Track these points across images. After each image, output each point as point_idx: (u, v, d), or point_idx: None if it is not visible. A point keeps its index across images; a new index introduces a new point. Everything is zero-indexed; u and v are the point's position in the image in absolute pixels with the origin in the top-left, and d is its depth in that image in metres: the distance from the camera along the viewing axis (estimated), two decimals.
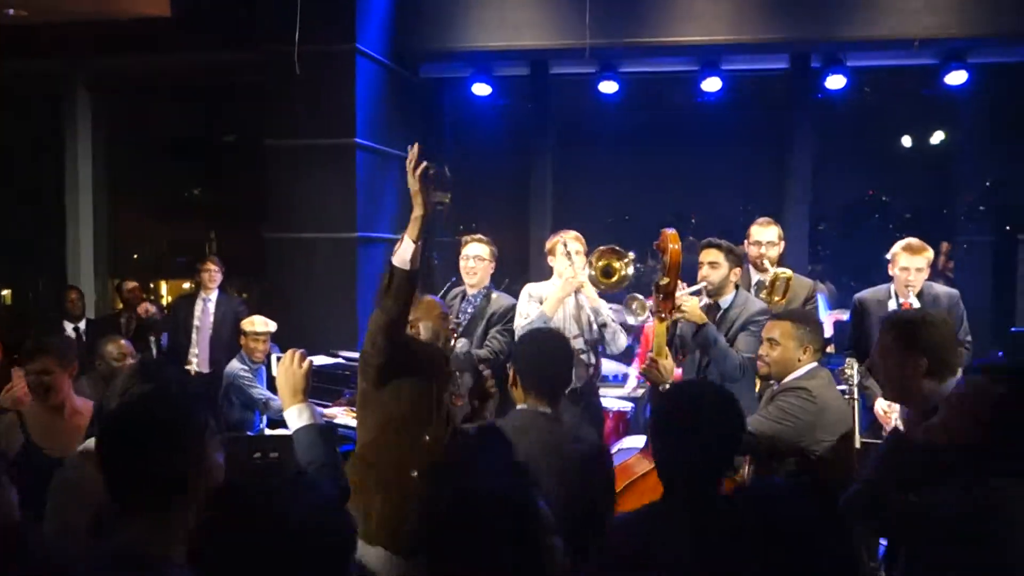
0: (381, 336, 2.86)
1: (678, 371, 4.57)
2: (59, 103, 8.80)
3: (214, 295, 6.96)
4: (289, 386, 2.52)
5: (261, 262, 7.60)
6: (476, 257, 4.96)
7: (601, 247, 4.84)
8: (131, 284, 7.56)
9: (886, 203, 10.71)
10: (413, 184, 2.89)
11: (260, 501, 1.42)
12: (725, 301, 4.41)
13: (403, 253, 2.87)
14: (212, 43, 7.82)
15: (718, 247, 4.43)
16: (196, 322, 6.91)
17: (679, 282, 4.02)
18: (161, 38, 7.31)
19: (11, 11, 6.48)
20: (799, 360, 3.49)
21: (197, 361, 6.89)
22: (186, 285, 9.94)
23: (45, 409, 3.63)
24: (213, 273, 6.92)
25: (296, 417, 2.48)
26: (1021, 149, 7.97)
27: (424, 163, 2.88)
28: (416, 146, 2.90)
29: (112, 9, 6.51)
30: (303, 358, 2.56)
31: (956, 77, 7.57)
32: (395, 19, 7.88)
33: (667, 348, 3.86)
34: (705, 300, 4.43)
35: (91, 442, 2.45)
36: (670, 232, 3.86)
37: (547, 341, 3.03)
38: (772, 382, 3.64)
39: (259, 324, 5.89)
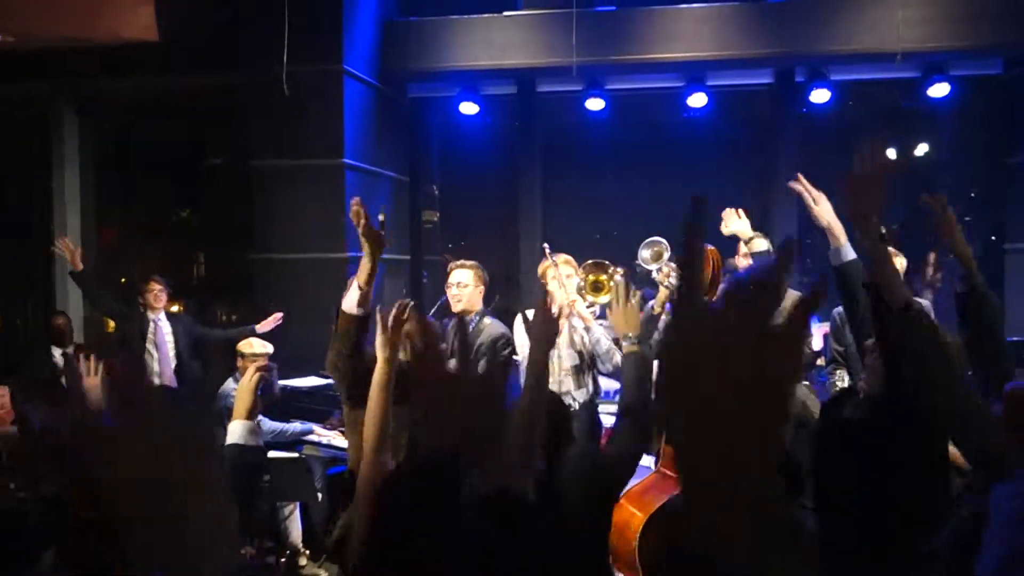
0: (332, 371, 2.93)
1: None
2: (46, 126, 8.79)
3: (162, 315, 6.72)
4: (239, 401, 2.55)
5: (249, 283, 7.59)
6: (459, 284, 4.88)
7: (586, 262, 4.86)
8: (61, 319, 7.45)
9: None
10: (364, 234, 2.90)
11: None
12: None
13: (350, 298, 2.89)
14: (199, 66, 7.84)
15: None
16: (151, 344, 6.64)
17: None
18: (148, 61, 7.32)
19: None
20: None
21: (156, 374, 6.72)
22: (174, 308, 9.91)
23: None
24: (158, 293, 6.65)
25: (230, 432, 2.50)
26: (1004, 160, 8.04)
27: (365, 218, 2.91)
28: (357, 200, 2.92)
29: (100, 35, 6.52)
30: (256, 374, 2.58)
31: (938, 89, 7.66)
32: (382, 40, 7.93)
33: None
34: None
35: None
36: (709, 248, 3.85)
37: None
38: None
39: (257, 346, 5.84)
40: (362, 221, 2.93)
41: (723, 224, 4.58)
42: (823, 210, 3.00)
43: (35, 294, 9.52)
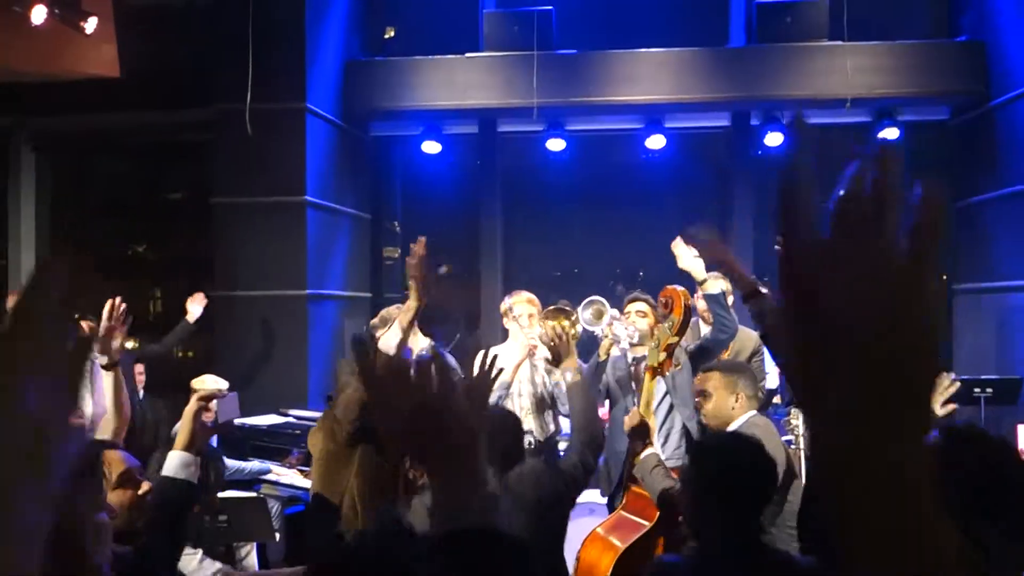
0: (344, 404, 2.89)
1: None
2: (3, 161, 8.68)
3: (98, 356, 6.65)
4: (180, 431, 2.56)
5: (207, 319, 7.52)
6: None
7: (549, 308, 4.91)
8: None
9: None
10: (414, 275, 2.95)
11: None
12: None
13: (390, 339, 2.92)
14: (161, 102, 7.83)
15: (646, 300, 4.64)
16: (86, 388, 6.58)
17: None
18: (109, 97, 7.29)
19: None
20: (732, 409, 3.56)
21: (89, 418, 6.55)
22: (128, 344, 9.76)
23: None
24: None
25: (165, 464, 2.49)
26: (953, 203, 8.28)
27: (423, 261, 2.95)
28: (422, 242, 2.98)
29: (61, 70, 6.48)
30: (196, 404, 2.59)
31: (888, 134, 7.89)
32: (346, 79, 7.99)
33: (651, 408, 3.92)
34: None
35: None
36: (680, 289, 3.93)
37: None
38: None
39: (209, 383, 5.76)
40: (416, 263, 2.96)
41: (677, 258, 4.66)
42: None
43: None
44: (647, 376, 3.90)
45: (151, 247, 10.13)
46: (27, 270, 8.77)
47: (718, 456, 2.42)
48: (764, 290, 2.97)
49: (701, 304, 5.22)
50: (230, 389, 6.01)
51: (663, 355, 3.88)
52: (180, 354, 9.92)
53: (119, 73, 6.55)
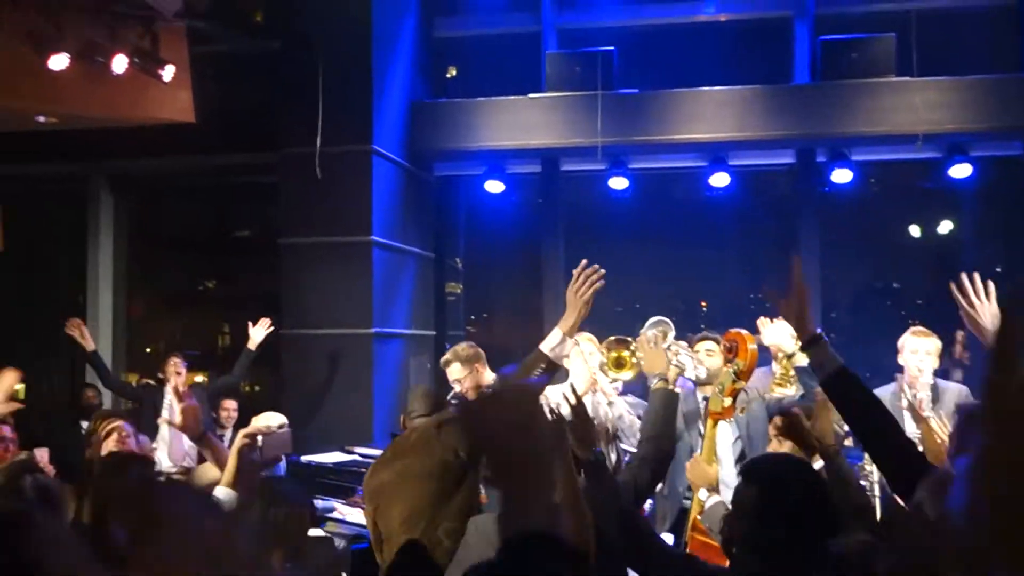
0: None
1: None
2: (82, 203, 9.03)
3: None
4: (226, 468, 2.59)
5: (274, 354, 7.66)
6: (455, 381, 4.85)
7: (609, 339, 4.88)
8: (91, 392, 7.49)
9: (897, 290, 10.78)
10: (576, 300, 3.02)
11: None
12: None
13: (562, 349, 3.01)
14: (233, 145, 8.07)
15: (714, 339, 4.52)
16: (164, 416, 6.62)
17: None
18: (184, 141, 7.54)
19: (42, 118, 6.72)
20: (811, 456, 3.48)
21: (164, 456, 6.60)
22: (198, 379, 10.00)
23: None
24: (179, 367, 6.65)
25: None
26: None
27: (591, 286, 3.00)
28: (598, 271, 3.02)
29: (138, 116, 6.74)
30: (243, 440, 2.62)
31: (960, 170, 7.71)
32: (411, 120, 8.14)
33: (716, 454, 3.85)
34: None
35: None
36: (746, 333, 3.86)
37: None
38: None
39: (262, 420, 5.74)
40: (588, 285, 3.02)
41: (761, 333, 4.54)
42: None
43: (61, 365, 9.64)
44: (710, 422, 3.82)
45: (220, 283, 10.41)
46: (105, 307, 9.08)
47: (768, 475, 2.35)
48: (824, 337, 2.89)
49: (777, 368, 5.09)
50: (292, 426, 6.06)
51: (727, 400, 3.79)
52: (247, 388, 10.14)
53: (194, 118, 6.77)
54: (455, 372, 4.86)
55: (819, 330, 2.88)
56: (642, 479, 3.01)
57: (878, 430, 2.66)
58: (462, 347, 4.95)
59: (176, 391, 3.28)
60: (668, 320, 4.65)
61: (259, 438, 2.92)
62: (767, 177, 9.00)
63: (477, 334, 9.62)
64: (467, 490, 1.88)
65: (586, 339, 4.92)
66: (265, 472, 3.78)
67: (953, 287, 3.09)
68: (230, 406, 7.23)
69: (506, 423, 1.33)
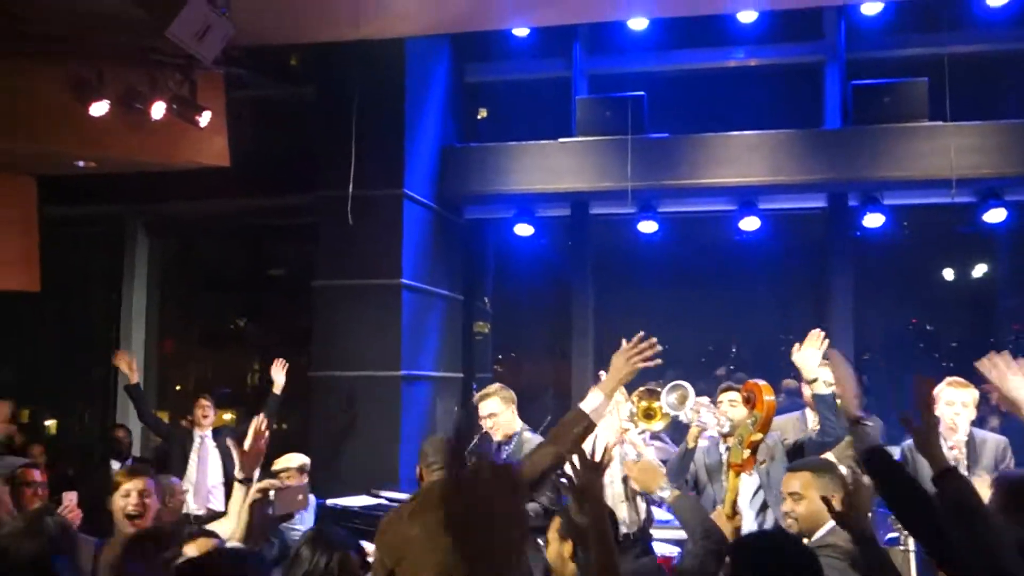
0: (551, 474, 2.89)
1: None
2: (119, 244, 9.19)
3: (209, 432, 6.76)
4: (239, 521, 2.58)
5: (302, 392, 7.68)
6: (489, 415, 4.88)
7: (640, 389, 4.84)
8: (121, 432, 7.58)
9: (931, 332, 10.63)
10: (624, 366, 3.03)
11: None
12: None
13: (593, 403, 3.01)
14: (266, 189, 8.19)
15: (738, 389, 4.45)
16: (193, 460, 6.68)
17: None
18: (217, 184, 7.65)
19: (81, 163, 6.85)
20: (822, 512, 3.28)
21: (191, 499, 6.59)
22: (227, 416, 10.06)
23: None
24: (207, 409, 6.75)
25: None
26: None
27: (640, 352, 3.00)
28: (640, 335, 3.04)
29: (174, 161, 6.85)
30: (256, 494, 2.61)
31: (994, 215, 7.62)
32: (441, 164, 8.21)
33: (737, 506, 3.78)
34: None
35: None
36: (763, 384, 3.83)
37: None
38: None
39: (282, 462, 5.62)
40: (641, 357, 3.03)
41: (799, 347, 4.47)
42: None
43: (93, 404, 9.74)
44: (731, 474, 3.75)
45: (251, 322, 10.49)
46: (137, 345, 9.19)
47: (756, 556, 2.30)
48: (867, 421, 2.85)
49: (807, 392, 5.04)
50: (318, 467, 6.03)
51: (747, 452, 3.73)
52: (275, 427, 10.16)
53: (229, 163, 6.88)
54: (492, 407, 4.88)
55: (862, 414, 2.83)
56: (708, 567, 3.00)
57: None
58: (501, 387, 4.98)
59: (258, 432, 3.26)
60: (685, 384, 4.58)
61: (271, 492, 2.90)
62: (799, 221, 8.93)
63: (504, 375, 9.60)
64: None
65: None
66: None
67: (980, 367, 2.99)
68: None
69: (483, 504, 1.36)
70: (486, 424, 4.90)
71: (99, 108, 6.16)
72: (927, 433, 2.55)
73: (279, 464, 5.61)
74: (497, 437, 4.91)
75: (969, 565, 2.32)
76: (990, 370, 2.95)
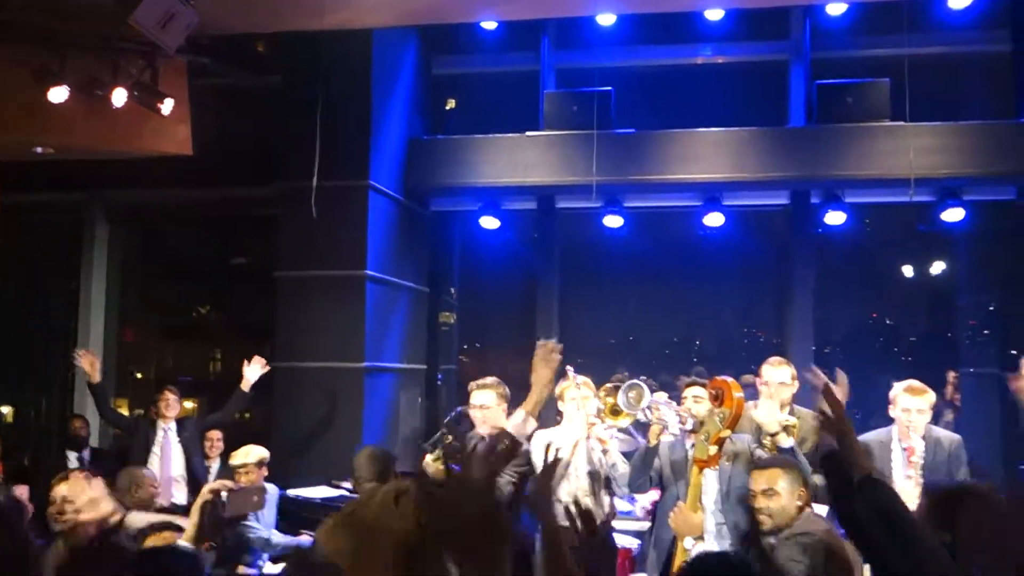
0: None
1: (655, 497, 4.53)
2: (78, 233, 9.04)
3: (172, 425, 6.66)
4: (190, 521, 2.60)
5: (265, 383, 7.64)
6: (481, 406, 4.85)
7: (606, 385, 4.87)
8: (79, 423, 7.49)
9: (891, 327, 10.82)
10: (545, 374, 3.17)
11: None
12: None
13: (523, 429, 3.14)
14: (230, 178, 8.10)
15: (703, 385, 4.47)
16: (156, 452, 6.56)
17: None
18: (180, 173, 7.56)
19: (39, 149, 6.73)
20: (797, 508, 3.44)
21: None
22: (188, 404, 9.97)
23: None
24: (171, 402, 6.63)
25: None
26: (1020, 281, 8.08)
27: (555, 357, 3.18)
28: (558, 350, 3.21)
29: (135, 148, 6.74)
30: (208, 495, 2.62)
31: (953, 214, 7.76)
32: (408, 156, 8.18)
33: (701, 502, 3.82)
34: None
35: None
36: (731, 380, 3.85)
37: None
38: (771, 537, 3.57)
39: (239, 456, 5.53)
40: (554, 356, 3.20)
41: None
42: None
43: (51, 394, 9.61)
44: (695, 470, 3.79)
45: (214, 311, 10.41)
46: (96, 334, 9.07)
47: None
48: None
49: (763, 390, 5.03)
50: (280, 458, 5.98)
51: (712, 449, 3.77)
52: (236, 416, 10.09)
53: (191, 151, 6.79)
54: (486, 399, 4.83)
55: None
56: None
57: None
58: (499, 382, 4.92)
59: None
60: (642, 384, 4.58)
61: (223, 494, 2.88)
62: (762, 217, 9.04)
63: (470, 366, 9.62)
64: (429, 565, 1.85)
65: (583, 383, 4.91)
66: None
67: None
68: (215, 436, 7.19)
69: (465, 511, 1.45)
70: (475, 414, 4.87)
71: (59, 94, 6.03)
72: (842, 438, 2.58)
73: (237, 458, 5.55)
74: (483, 430, 4.89)
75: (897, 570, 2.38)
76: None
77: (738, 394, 3.80)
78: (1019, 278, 8.09)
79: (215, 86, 8.04)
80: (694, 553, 3.48)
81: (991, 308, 9.13)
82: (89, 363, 6.52)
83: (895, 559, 2.36)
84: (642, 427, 4.97)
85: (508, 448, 3.04)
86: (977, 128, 7.71)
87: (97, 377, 6.52)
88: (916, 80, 7.58)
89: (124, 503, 4.89)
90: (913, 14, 7.52)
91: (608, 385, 4.87)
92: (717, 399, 3.84)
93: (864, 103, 7.73)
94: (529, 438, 3.25)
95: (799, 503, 3.47)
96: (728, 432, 3.80)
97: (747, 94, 8.72)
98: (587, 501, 4.84)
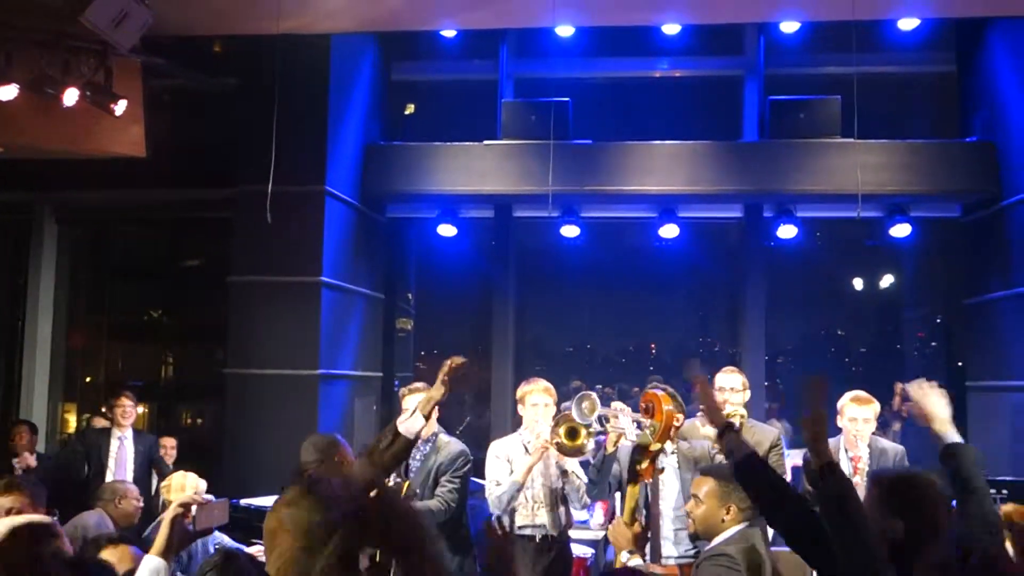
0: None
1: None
2: (27, 233, 8.86)
3: (129, 432, 6.55)
4: (159, 536, 2.65)
5: (215, 387, 7.55)
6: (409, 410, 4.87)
7: (564, 413, 4.85)
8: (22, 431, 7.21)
9: (841, 338, 11.03)
10: (447, 373, 3.52)
11: None
12: None
13: (412, 425, 3.41)
14: (183, 180, 8.00)
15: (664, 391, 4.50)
16: (111, 461, 6.44)
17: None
18: (132, 174, 7.46)
19: None
20: (723, 521, 3.32)
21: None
22: (140, 409, 9.81)
23: None
24: (127, 409, 6.49)
25: (140, 568, 2.56)
26: (963, 301, 8.28)
27: (456, 368, 3.51)
28: (456, 360, 3.55)
29: (88, 149, 6.64)
30: (178, 509, 2.70)
31: (900, 230, 7.93)
32: (364, 162, 8.15)
33: (636, 514, 3.81)
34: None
35: None
36: (660, 393, 3.83)
37: None
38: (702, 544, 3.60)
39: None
40: (454, 367, 3.53)
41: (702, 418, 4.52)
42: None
43: None
44: (630, 484, 3.78)
45: (165, 312, 10.26)
46: (43, 336, 8.89)
47: None
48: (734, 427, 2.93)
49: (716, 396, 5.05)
50: (232, 466, 5.89)
51: (645, 462, 3.75)
52: (189, 421, 9.95)
53: (145, 153, 6.71)
54: (414, 404, 4.80)
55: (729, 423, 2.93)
56: None
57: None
58: (427, 386, 4.72)
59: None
60: (592, 394, 4.57)
61: (193, 508, 2.88)
62: (716, 229, 9.18)
63: (426, 373, 9.60)
64: (332, 556, 1.88)
65: (542, 390, 4.91)
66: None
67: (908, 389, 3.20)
68: (168, 444, 7.09)
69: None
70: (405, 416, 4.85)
71: (7, 92, 5.93)
72: (814, 425, 2.62)
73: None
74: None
75: (841, 561, 2.45)
76: (916, 391, 3.13)
77: (668, 407, 3.79)
78: (963, 292, 8.30)
79: (171, 87, 7.96)
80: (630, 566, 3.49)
81: (937, 321, 9.37)
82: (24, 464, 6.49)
83: (844, 547, 2.45)
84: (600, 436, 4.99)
85: (393, 441, 3.34)
86: (923, 146, 7.91)
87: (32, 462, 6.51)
88: (865, 98, 7.75)
89: (109, 514, 4.83)
90: (863, 34, 7.69)
91: (564, 414, 4.83)
92: (648, 412, 3.82)
93: (815, 119, 7.89)
94: (419, 434, 3.50)
95: (724, 516, 3.34)
96: (659, 445, 3.77)
97: (702, 108, 8.85)
98: (543, 511, 4.84)
